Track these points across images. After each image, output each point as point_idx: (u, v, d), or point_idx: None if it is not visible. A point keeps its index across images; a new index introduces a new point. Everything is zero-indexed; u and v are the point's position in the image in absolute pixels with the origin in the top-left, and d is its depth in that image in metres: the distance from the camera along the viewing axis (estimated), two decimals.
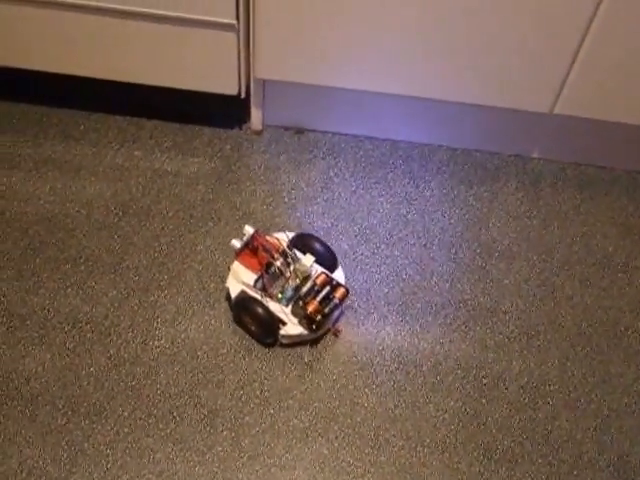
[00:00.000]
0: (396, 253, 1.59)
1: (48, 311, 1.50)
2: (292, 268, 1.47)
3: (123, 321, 1.50)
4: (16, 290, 1.52)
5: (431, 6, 1.38)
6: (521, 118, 1.62)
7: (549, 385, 1.46)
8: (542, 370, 1.48)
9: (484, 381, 1.46)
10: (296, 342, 1.48)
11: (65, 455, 1.36)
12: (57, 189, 1.64)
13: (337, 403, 1.42)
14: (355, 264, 1.57)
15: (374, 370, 1.46)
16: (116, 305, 1.51)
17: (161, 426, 1.39)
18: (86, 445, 1.37)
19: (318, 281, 1.46)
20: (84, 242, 1.58)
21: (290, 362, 1.45)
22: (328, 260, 1.50)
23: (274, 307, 1.45)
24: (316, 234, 1.55)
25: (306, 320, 1.44)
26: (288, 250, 1.47)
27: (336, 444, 1.38)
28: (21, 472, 1.34)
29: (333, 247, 1.54)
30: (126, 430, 1.38)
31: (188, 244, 1.59)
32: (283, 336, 1.46)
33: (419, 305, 1.52)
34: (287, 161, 1.69)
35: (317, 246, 1.50)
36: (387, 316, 1.51)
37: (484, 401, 1.43)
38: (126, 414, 1.40)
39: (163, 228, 1.60)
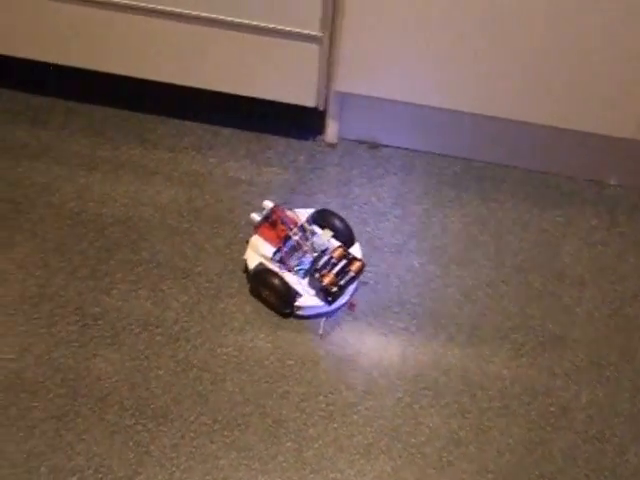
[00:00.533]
0: (466, 274, 1.59)
1: (120, 312, 1.52)
2: (310, 242, 1.50)
3: (192, 327, 1.51)
4: (90, 289, 1.54)
5: (515, 28, 1.37)
6: (601, 142, 1.61)
7: (618, 417, 1.45)
8: (611, 402, 1.46)
9: (551, 409, 1.45)
10: (312, 315, 1.51)
11: (132, 455, 1.37)
12: (133, 192, 1.66)
13: (401, 421, 1.42)
14: (425, 282, 1.57)
15: (439, 390, 1.45)
16: (186, 310, 1.53)
17: (226, 433, 1.40)
18: (152, 447, 1.38)
19: (335, 254, 1.50)
20: (157, 246, 1.60)
21: (355, 377, 1.45)
22: (345, 236, 1.54)
23: (291, 279, 1.49)
24: (385, 250, 1.55)
25: (322, 292, 1.47)
26: (306, 224, 1.51)
27: (399, 462, 1.38)
28: (88, 469, 1.36)
29: (402, 264, 1.54)
30: (191, 435, 1.40)
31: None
32: (299, 307, 1.49)
33: (487, 328, 1.52)
34: (360, 175, 1.70)
35: (336, 222, 1.54)
36: (455, 337, 1.51)
37: (550, 429, 1.42)
38: (192, 419, 1.41)
39: (235, 236, 1.62)
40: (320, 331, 1.51)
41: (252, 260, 1.52)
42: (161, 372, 1.46)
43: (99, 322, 1.51)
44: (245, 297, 1.54)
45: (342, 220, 1.55)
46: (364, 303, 1.54)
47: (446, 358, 1.49)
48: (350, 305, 1.53)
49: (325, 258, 1.50)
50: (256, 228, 1.53)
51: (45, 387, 1.44)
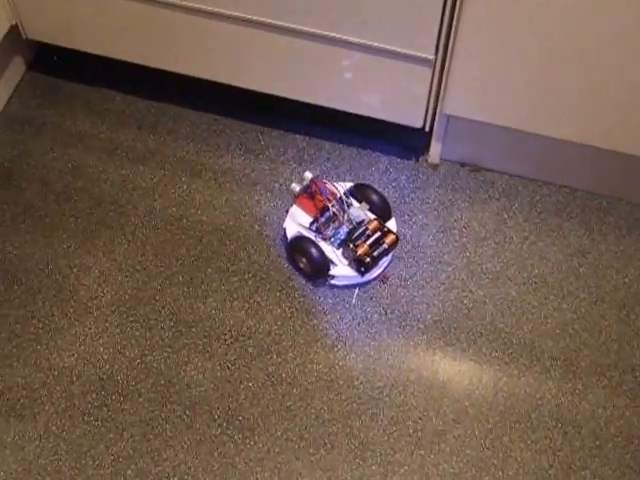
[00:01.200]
0: (564, 306, 1.56)
1: (214, 321, 1.53)
2: (346, 213, 1.54)
3: (284, 340, 1.51)
4: (186, 296, 1.56)
5: (624, 61, 1.34)
6: None
7: None
8: None
9: None
10: (345, 285, 1.56)
11: (217, 466, 1.38)
12: (233, 201, 1.67)
13: (490, 453, 1.40)
14: (521, 312, 1.54)
15: (531, 424, 1.43)
16: (279, 323, 1.53)
17: (311, 451, 1.40)
18: (237, 459, 1.39)
19: (370, 227, 1.54)
20: (254, 257, 1.61)
21: (445, 404, 1.44)
22: (382, 210, 1.57)
23: (326, 248, 1.53)
24: (483, 276, 1.53)
25: (355, 262, 1.51)
26: (344, 197, 1.55)
27: None
28: (174, 476, 1.37)
29: (500, 291, 1.52)
30: (277, 450, 1.40)
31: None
32: (332, 276, 1.54)
33: (584, 364, 1.49)
34: (461, 198, 1.68)
35: (373, 196, 1.57)
36: (549, 370, 1.48)
37: None
38: (278, 434, 1.41)
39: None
40: (353, 301, 1.56)
41: (291, 229, 1.57)
42: (250, 384, 1.47)
43: (193, 329, 1.52)
44: (339, 315, 1.54)
45: (379, 194, 1.58)
46: (458, 328, 1.51)
47: (539, 392, 1.46)
48: (383, 278, 1.57)
49: (360, 230, 1.53)
50: (295, 198, 1.59)
51: (136, 390, 1.46)
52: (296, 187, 1.57)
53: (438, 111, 1.56)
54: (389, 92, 1.54)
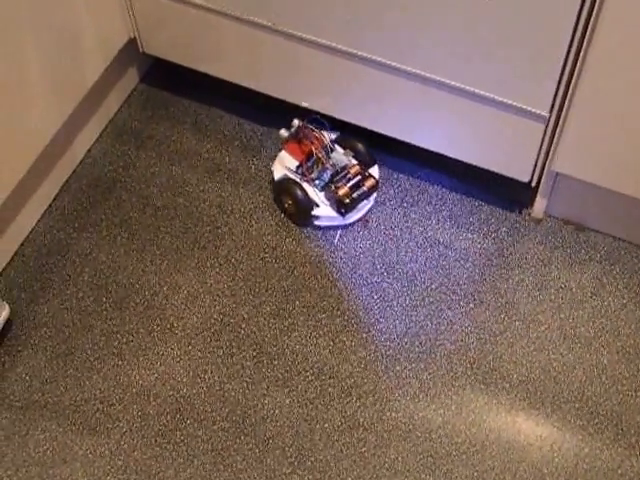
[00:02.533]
0: None
1: (296, 356, 1.51)
2: (330, 159, 1.65)
3: (366, 384, 1.49)
4: (271, 327, 1.55)
5: None
6: None
7: None
8: None
9: None
10: (327, 226, 1.66)
11: None
12: (329, 234, 1.65)
13: None
14: (612, 382, 1.50)
15: None
16: (362, 366, 1.51)
17: None
18: None
19: (352, 171, 1.64)
20: (344, 294, 1.59)
21: (524, 469, 1.41)
22: (366, 158, 1.66)
23: (310, 190, 1.63)
24: (575, 340, 1.51)
25: (336, 203, 1.61)
26: (329, 143, 1.65)
27: None
28: None
29: (591, 358, 1.48)
30: None
31: (444, 321, 1.56)
32: (315, 217, 1.64)
33: None
34: (561, 257, 1.63)
35: (358, 146, 1.66)
36: (635, 446, 1.43)
37: None
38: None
39: (424, 299, 1.58)
40: (335, 240, 1.67)
41: (278, 172, 1.67)
42: (327, 425, 1.45)
43: (275, 362, 1.51)
44: (423, 364, 1.51)
45: (363, 144, 1.66)
46: (544, 391, 1.47)
47: (622, 468, 1.41)
48: (364, 221, 1.67)
49: (342, 173, 1.63)
50: (284, 143, 1.68)
51: (212, 418, 1.45)
52: (285, 133, 1.65)
53: (547, 167, 1.51)
54: (498, 143, 1.51)
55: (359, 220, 1.68)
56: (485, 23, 1.32)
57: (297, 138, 1.67)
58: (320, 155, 1.64)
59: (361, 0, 1.40)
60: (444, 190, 1.71)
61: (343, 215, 1.63)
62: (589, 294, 1.59)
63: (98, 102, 1.73)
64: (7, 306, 1.51)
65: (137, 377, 1.50)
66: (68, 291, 1.59)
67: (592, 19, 1.25)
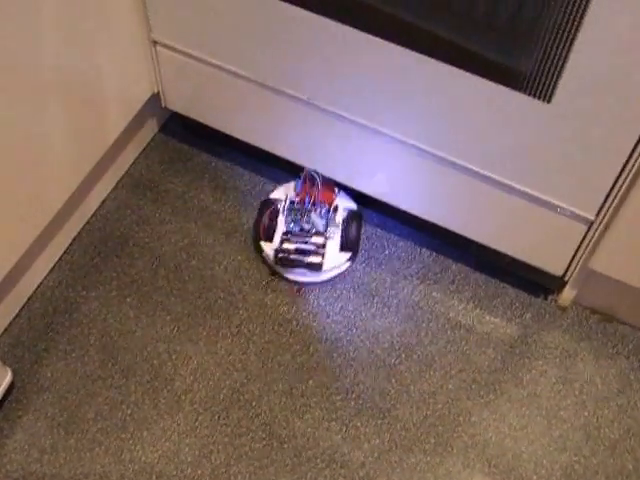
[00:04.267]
0: None
1: (307, 440, 1.45)
2: (309, 214, 1.61)
3: (379, 476, 1.43)
4: (282, 407, 1.48)
5: None
6: None
7: None
8: None
9: None
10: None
11: None
12: (348, 311, 1.61)
13: None
14: None
15: None
16: (375, 455, 1.44)
17: None
18: None
19: (313, 238, 1.60)
20: (360, 376, 1.53)
21: None
22: (352, 244, 1.63)
23: (280, 222, 1.61)
24: (599, 441, 1.46)
25: (274, 250, 1.59)
26: (326, 207, 1.62)
27: None
28: None
29: (616, 462, 1.42)
30: None
31: (463, 411, 1.50)
32: (261, 249, 1.61)
33: None
34: (587, 349, 1.57)
35: (352, 229, 1.63)
36: None
37: None
38: None
39: (442, 386, 1.52)
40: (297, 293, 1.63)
41: (278, 192, 1.67)
42: None
43: (284, 445, 1.45)
44: (439, 458, 1.44)
45: (359, 233, 1.63)
46: None
47: None
48: (298, 290, 1.63)
49: (305, 232, 1.60)
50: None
51: None
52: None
53: (582, 263, 1.45)
54: (536, 238, 1.45)
55: (292, 284, 1.64)
56: (541, 127, 1.26)
57: (322, 182, 1.62)
58: (306, 206, 1.61)
59: (409, 90, 1.33)
60: (468, 269, 1.65)
61: (274, 264, 1.60)
62: (615, 391, 1.52)
63: (115, 153, 1.67)
64: (9, 372, 1.45)
65: (140, 453, 1.43)
66: (74, 354, 1.53)
67: None
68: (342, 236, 1.61)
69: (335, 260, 1.60)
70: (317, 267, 1.59)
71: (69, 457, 1.44)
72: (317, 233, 1.60)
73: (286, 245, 1.58)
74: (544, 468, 1.45)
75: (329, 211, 1.62)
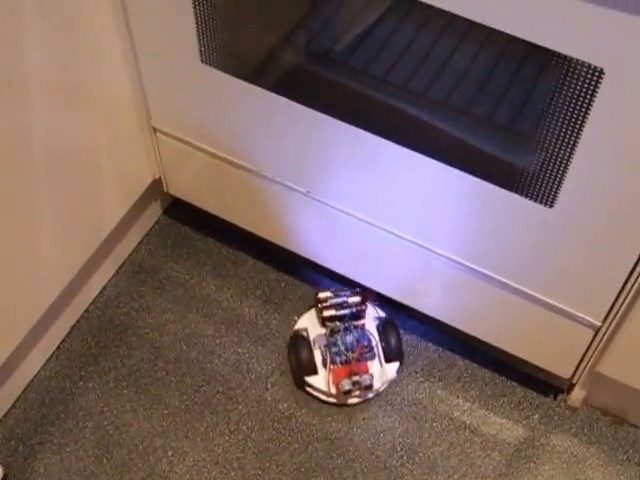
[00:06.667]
0: None
1: None
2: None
3: None
4: None
5: None
6: None
7: None
8: None
9: None
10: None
11: None
12: (348, 408, 1.55)
13: None
14: None
15: None
16: None
17: None
18: None
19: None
20: (360, 478, 1.49)
21: None
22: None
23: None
24: None
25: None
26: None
27: None
28: None
29: None
30: None
31: None
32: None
33: None
34: (597, 454, 1.51)
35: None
36: None
37: None
38: None
39: None
40: None
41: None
42: None
43: None
44: None
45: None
46: None
47: None
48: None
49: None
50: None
51: None
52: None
53: (590, 366, 1.40)
54: (542, 340, 1.41)
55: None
56: (546, 231, 1.22)
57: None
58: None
59: (407, 188, 1.30)
60: (475, 366, 1.61)
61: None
62: None
63: (117, 238, 1.64)
64: (1, 468, 1.41)
65: None
66: (68, 448, 1.49)
67: None
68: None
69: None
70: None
71: None
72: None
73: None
74: None
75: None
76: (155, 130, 1.53)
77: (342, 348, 1.52)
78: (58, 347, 1.62)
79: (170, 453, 1.50)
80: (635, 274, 1.21)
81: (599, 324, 1.31)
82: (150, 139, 1.54)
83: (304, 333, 1.58)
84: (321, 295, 1.56)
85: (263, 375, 1.59)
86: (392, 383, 1.57)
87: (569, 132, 1.07)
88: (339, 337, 1.53)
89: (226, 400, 1.56)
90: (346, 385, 1.49)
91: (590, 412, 1.57)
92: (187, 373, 1.59)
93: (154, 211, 1.76)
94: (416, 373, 1.60)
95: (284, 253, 1.64)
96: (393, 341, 1.56)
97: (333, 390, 1.52)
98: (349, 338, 1.53)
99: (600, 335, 1.34)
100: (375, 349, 1.55)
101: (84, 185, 1.43)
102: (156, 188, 1.66)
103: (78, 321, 1.65)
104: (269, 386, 1.58)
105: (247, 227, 1.61)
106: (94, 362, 1.60)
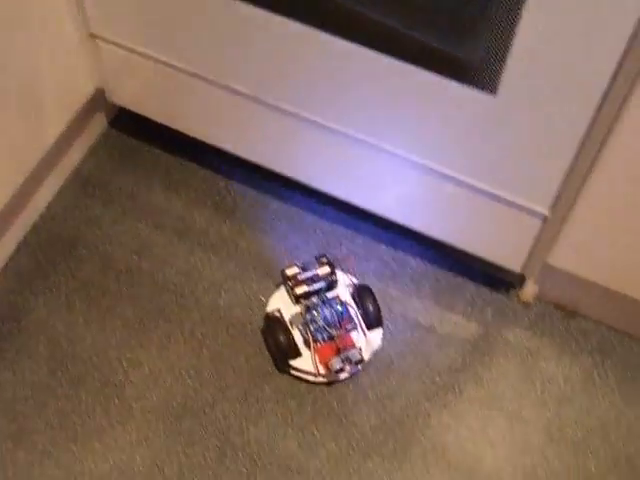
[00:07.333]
0: None
1: (263, 448, 1.41)
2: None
3: None
4: (237, 414, 1.44)
5: None
6: None
7: None
8: None
9: None
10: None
11: None
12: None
13: None
14: None
15: None
16: (332, 462, 1.41)
17: None
18: None
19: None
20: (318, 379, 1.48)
21: None
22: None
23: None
24: (562, 442, 1.43)
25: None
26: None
27: None
28: None
29: (579, 463, 1.39)
30: None
31: (422, 414, 1.46)
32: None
33: None
34: (550, 346, 1.53)
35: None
36: None
37: None
38: None
39: (400, 388, 1.49)
40: None
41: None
42: None
43: (239, 454, 1.41)
44: (397, 463, 1.40)
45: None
46: None
47: None
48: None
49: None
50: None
51: None
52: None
53: (540, 259, 1.41)
54: (493, 233, 1.41)
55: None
56: (490, 119, 1.22)
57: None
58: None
59: (350, 81, 1.28)
60: (427, 264, 1.61)
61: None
62: (578, 390, 1.49)
63: (61, 151, 1.61)
64: None
65: (92, 465, 1.39)
66: (21, 363, 1.48)
67: (607, 122, 1.15)
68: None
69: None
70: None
71: (18, 471, 1.39)
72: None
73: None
74: (506, 472, 1.42)
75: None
76: (94, 36, 1.49)
77: (321, 324, 1.45)
78: (6, 264, 1.59)
79: (125, 364, 1.49)
80: (579, 162, 1.21)
81: (547, 214, 1.31)
82: (89, 46, 1.50)
83: (277, 314, 1.50)
84: (289, 272, 1.48)
85: (216, 283, 1.58)
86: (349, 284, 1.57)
87: (509, 17, 1.05)
88: (316, 313, 1.46)
89: (179, 309, 1.55)
90: (337, 364, 1.42)
91: (543, 306, 1.58)
92: (139, 284, 1.57)
93: (99, 123, 1.72)
94: (369, 274, 1.60)
95: (233, 161, 1.62)
96: (371, 307, 1.50)
97: (322, 370, 1.45)
98: (327, 312, 1.46)
99: (549, 225, 1.34)
100: (355, 319, 1.48)
101: (22, 96, 1.39)
102: (99, 99, 1.62)
103: (25, 237, 1.63)
104: (222, 293, 1.57)
105: (195, 135, 1.58)
106: (44, 277, 1.58)
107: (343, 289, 1.52)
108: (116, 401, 1.45)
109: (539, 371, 1.51)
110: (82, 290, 1.56)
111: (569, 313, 1.56)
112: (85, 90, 1.55)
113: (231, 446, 1.42)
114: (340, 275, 1.52)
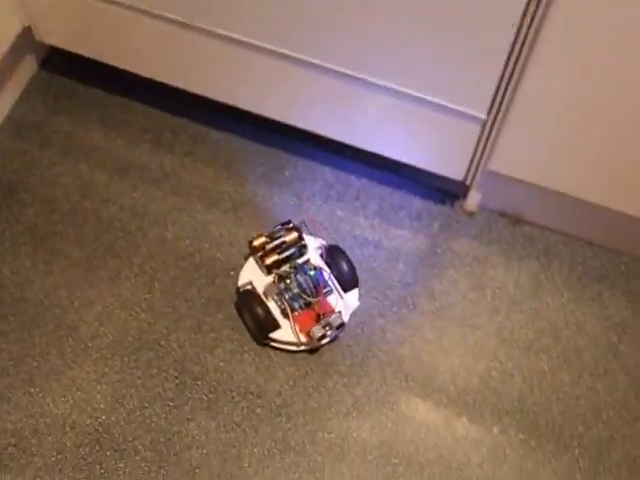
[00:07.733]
0: (599, 387, 1.44)
1: (221, 374, 1.42)
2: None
3: (296, 403, 1.41)
4: (193, 344, 1.45)
5: None
6: None
7: None
8: None
9: None
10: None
11: None
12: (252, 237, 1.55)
13: None
14: (552, 390, 1.43)
15: None
16: (291, 383, 1.42)
17: None
18: None
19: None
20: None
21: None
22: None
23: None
24: (514, 345, 1.46)
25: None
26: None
27: None
28: None
29: (530, 364, 1.41)
30: None
31: (377, 329, 1.48)
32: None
33: (616, 456, 1.38)
34: (497, 253, 1.55)
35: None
36: (579, 460, 1.38)
37: None
38: None
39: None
40: None
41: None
42: (256, 450, 1.36)
43: (198, 382, 1.41)
44: (356, 378, 1.42)
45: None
46: (483, 403, 1.42)
47: None
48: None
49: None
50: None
51: (133, 447, 1.36)
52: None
53: (482, 166, 1.42)
54: (431, 143, 1.42)
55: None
56: (422, 22, 1.22)
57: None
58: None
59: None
60: (372, 183, 1.62)
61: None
62: (527, 294, 1.52)
63: None
64: None
65: (51, 405, 1.39)
66: None
67: (536, 20, 1.16)
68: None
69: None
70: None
71: None
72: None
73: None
74: (461, 378, 1.44)
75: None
76: None
77: (296, 291, 1.42)
78: None
79: (77, 303, 1.49)
80: (512, 61, 1.21)
81: (484, 117, 1.32)
82: None
83: (250, 287, 1.47)
84: (256, 243, 1.45)
85: (161, 216, 1.57)
86: (293, 207, 1.57)
87: None
88: (289, 281, 1.43)
89: (127, 245, 1.54)
90: (318, 332, 1.40)
91: (487, 215, 1.60)
92: (84, 223, 1.56)
93: (29, 65, 1.69)
94: (314, 197, 1.61)
95: (170, 93, 1.60)
96: (345, 267, 1.47)
97: (303, 339, 1.43)
98: (300, 279, 1.43)
99: (487, 129, 1.35)
100: (330, 282, 1.46)
101: None
102: (28, 39, 1.59)
103: None
104: (169, 226, 1.56)
105: (131, 69, 1.57)
106: None
107: (314, 253, 1.48)
108: (71, 341, 1.45)
109: (488, 278, 1.53)
110: (26, 234, 1.54)
111: (513, 220, 1.58)
112: (11, 30, 1.51)
113: (190, 375, 1.42)
114: (308, 239, 1.48)
